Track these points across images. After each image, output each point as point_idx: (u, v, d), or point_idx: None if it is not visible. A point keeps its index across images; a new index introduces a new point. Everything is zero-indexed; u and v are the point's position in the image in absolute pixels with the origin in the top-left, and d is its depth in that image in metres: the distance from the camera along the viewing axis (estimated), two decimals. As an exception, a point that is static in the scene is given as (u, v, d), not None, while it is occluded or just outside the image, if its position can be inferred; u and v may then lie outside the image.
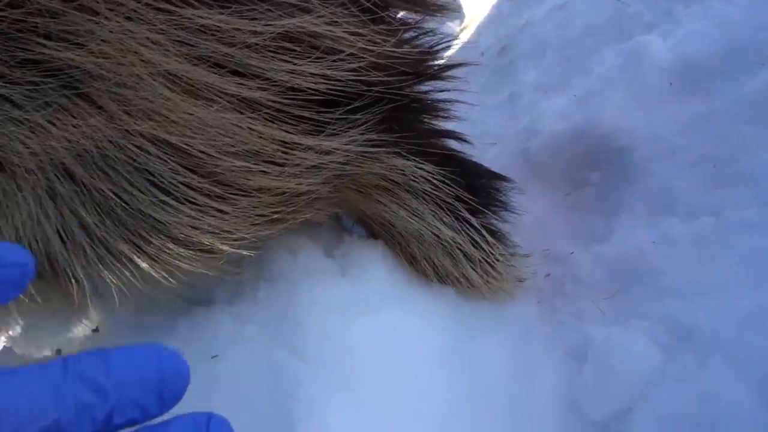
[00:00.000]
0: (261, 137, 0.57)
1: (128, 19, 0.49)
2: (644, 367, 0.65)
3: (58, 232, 0.58)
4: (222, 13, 0.51)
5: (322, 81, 0.57)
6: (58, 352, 0.86)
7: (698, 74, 0.87)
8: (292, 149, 0.59)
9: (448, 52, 1.10)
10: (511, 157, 0.98)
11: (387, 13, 0.64)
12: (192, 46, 0.52)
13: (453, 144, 0.78)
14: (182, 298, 0.72)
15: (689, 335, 0.65)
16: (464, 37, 1.46)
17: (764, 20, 0.82)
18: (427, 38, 0.73)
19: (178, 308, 0.71)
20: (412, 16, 0.72)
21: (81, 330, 0.84)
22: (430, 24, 0.74)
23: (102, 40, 0.49)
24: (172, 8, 0.50)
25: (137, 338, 0.74)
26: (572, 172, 0.93)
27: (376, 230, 0.79)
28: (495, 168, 0.84)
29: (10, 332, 0.81)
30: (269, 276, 0.70)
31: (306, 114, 0.59)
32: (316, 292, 0.68)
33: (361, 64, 0.59)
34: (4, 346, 0.82)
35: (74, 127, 0.52)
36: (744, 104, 0.77)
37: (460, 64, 0.76)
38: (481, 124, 1.09)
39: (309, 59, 0.56)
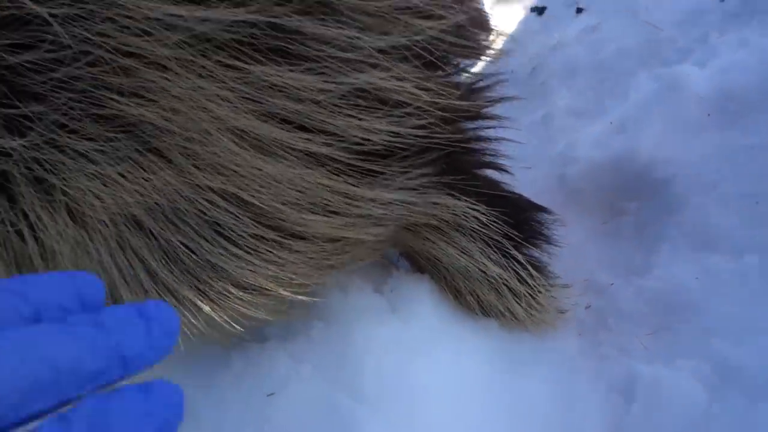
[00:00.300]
0: (327, 190, 0.59)
1: (199, 76, 0.51)
2: (691, 408, 0.66)
3: (125, 279, 0.60)
4: (291, 71, 0.53)
5: (390, 136, 0.58)
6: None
7: (738, 106, 0.87)
8: (355, 200, 0.61)
9: (477, 68, 1.11)
10: (548, 182, 0.99)
11: (447, 63, 0.66)
12: (261, 102, 0.53)
13: (494, 174, 0.80)
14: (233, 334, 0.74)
15: (736, 376, 0.67)
16: (492, 52, 1.47)
17: (806, 55, 0.83)
18: (478, 80, 0.75)
19: (232, 343, 0.73)
20: (468, 62, 0.74)
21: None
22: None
23: (173, 96, 0.50)
24: (242, 65, 0.51)
25: (189, 370, 0.75)
26: (610, 201, 0.94)
27: (422, 264, 0.80)
28: (531, 193, 0.86)
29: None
30: (322, 315, 0.72)
31: (368, 165, 0.60)
32: (369, 331, 0.69)
33: (428, 120, 0.60)
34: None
35: (145, 180, 0.54)
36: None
37: (504, 99, 0.78)
38: (515, 145, 1.09)
39: (377, 115, 0.57)
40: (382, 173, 0.62)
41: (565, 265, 0.89)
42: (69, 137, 0.50)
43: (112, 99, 0.50)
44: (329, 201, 0.58)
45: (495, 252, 0.76)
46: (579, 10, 1.39)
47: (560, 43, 1.28)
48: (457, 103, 0.61)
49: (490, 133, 0.76)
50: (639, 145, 0.93)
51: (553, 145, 1.06)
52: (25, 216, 0.53)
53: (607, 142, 0.97)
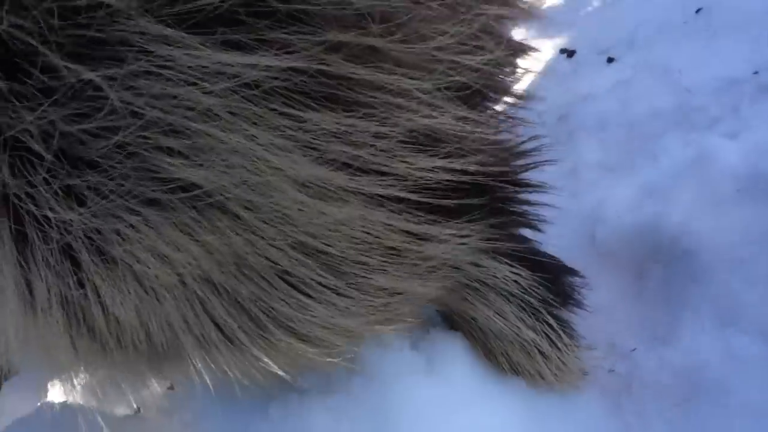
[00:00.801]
0: (390, 229, 0.60)
1: (253, 124, 0.51)
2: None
3: (193, 333, 0.62)
4: (345, 117, 0.54)
5: (446, 173, 0.60)
6: (137, 411, 0.90)
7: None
8: (417, 238, 0.62)
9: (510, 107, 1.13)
10: (577, 240, 1.02)
11: (491, 98, 0.68)
12: (317, 149, 0.53)
13: (529, 233, 0.83)
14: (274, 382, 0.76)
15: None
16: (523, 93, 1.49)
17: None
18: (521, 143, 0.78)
19: (271, 393, 0.75)
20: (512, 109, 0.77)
21: (158, 388, 0.87)
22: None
23: (229, 150, 0.51)
24: (296, 113, 0.52)
25: (227, 417, 0.78)
26: (637, 263, 0.97)
27: (456, 322, 0.83)
28: (560, 249, 0.88)
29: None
30: (361, 370, 0.74)
31: (427, 202, 0.61)
32: (407, 389, 0.72)
33: (484, 158, 0.62)
34: (64, 401, 0.85)
35: (210, 238, 0.55)
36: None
37: (544, 162, 0.80)
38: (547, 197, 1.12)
39: (431, 153, 0.59)
40: (440, 213, 0.64)
41: (588, 325, 0.91)
42: (127, 203, 0.51)
43: (167, 161, 0.50)
44: (394, 244, 0.60)
45: (530, 316, 0.79)
46: (610, 60, 1.42)
47: (591, 93, 1.30)
48: (511, 146, 0.63)
49: (532, 197, 0.78)
50: (669, 212, 0.96)
51: (582, 200, 1.09)
52: (91, 282, 0.55)
53: (638, 205, 1.00)
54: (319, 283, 0.61)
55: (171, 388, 0.91)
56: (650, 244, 0.96)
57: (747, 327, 0.80)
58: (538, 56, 1.62)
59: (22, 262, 0.52)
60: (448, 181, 0.59)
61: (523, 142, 0.75)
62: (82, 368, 0.69)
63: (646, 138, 1.13)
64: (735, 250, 0.88)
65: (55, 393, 0.90)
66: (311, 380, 0.76)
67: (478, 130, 0.58)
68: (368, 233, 0.57)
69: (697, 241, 0.91)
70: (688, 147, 1.03)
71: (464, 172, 0.60)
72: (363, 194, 0.55)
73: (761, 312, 0.80)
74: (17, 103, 0.48)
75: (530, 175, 0.76)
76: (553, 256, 0.86)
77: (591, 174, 1.14)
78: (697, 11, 1.34)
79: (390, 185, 0.55)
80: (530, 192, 0.76)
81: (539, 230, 0.83)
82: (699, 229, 0.92)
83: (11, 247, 0.52)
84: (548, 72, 1.54)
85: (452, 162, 0.57)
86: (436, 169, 0.57)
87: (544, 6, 1.93)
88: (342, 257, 0.60)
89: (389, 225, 0.57)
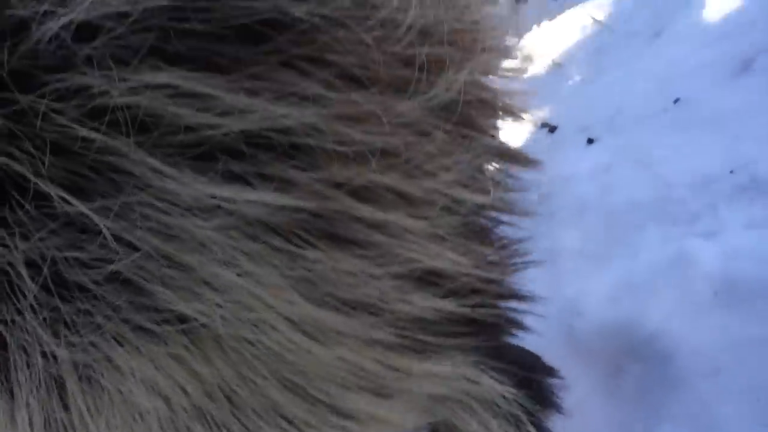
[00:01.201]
0: (379, 365, 0.60)
1: (250, 260, 0.50)
2: None
3: None
4: (343, 256, 0.53)
5: (440, 313, 0.60)
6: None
7: (743, 292, 0.92)
8: (404, 373, 0.62)
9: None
10: (556, 331, 1.03)
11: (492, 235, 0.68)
12: (313, 288, 0.53)
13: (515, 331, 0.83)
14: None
15: None
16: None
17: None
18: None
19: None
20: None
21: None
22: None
23: (224, 284, 0.50)
24: (294, 249, 0.51)
25: None
26: (614, 360, 0.98)
27: (437, 427, 0.82)
28: (537, 339, 0.88)
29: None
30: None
31: (418, 338, 0.61)
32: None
33: (484, 298, 0.62)
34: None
35: (201, 369, 0.54)
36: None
37: (531, 264, 0.81)
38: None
39: (427, 293, 0.59)
40: (428, 346, 0.64)
41: (564, 428, 0.92)
42: (119, 331, 0.50)
43: (162, 292, 0.49)
44: (379, 376, 0.59)
45: (512, 426, 0.78)
46: (590, 141, 1.45)
47: (572, 175, 1.33)
48: (509, 281, 0.63)
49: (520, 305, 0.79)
50: (647, 310, 0.97)
51: (562, 289, 1.10)
52: (77, 407, 0.53)
53: (617, 300, 1.01)
54: (308, 424, 0.60)
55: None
56: (627, 341, 0.97)
57: (722, 439, 0.81)
58: (520, 129, 1.66)
59: (4, 387, 0.50)
60: (444, 317, 0.59)
61: (514, 250, 0.76)
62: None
63: (626, 228, 1.15)
64: (711, 357, 0.89)
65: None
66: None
67: (478, 271, 0.58)
68: (361, 370, 0.56)
69: (675, 343, 0.93)
70: (667, 244, 1.05)
71: (461, 311, 0.60)
72: (357, 336, 0.54)
73: (734, 424, 0.81)
74: (7, 231, 0.47)
75: (518, 284, 0.77)
76: (533, 355, 0.86)
77: (570, 262, 1.15)
78: (675, 101, 1.38)
79: (385, 325, 0.55)
80: (518, 302, 0.76)
81: (525, 329, 0.83)
82: (676, 330, 0.94)
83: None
84: (529, 145, 1.57)
85: (452, 302, 0.57)
86: (435, 310, 0.56)
87: (527, 75, 1.98)
88: (333, 395, 0.59)
89: (381, 362, 0.57)
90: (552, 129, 1.58)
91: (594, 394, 0.96)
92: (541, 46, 2.12)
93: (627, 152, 1.31)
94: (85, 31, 0.42)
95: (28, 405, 0.50)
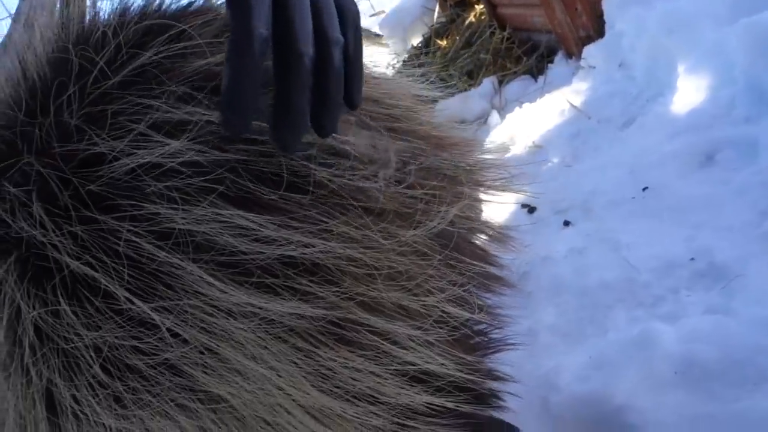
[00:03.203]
0: None
1: (274, 356, 0.60)
2: None
3: None
4: (354, 355, 0.63)
5: (435, 406, 0.69)
6: None
7: (701, 372, 1.02)
8: None
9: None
10: (532, 404, 1.12)
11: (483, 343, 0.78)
12: (324, 381, 0.63)
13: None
14: None
15: None
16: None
17: (764, 344, 0.99)
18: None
19: None
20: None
21: None
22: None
23: (252, 375, 0.60)
24: (311, 348, 0.61)
25: None
26: (586, 429, 1.07)
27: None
28: (516, 410, 0.97)
29: None
30: None
31: (410, 425, 0.70)
32: None
33: (467, 394, 0.72)
34: None
35: None
36: (738, 423, 0.93)
37: (510, 346, 0.91)
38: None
39: (419, 389, 0.69)
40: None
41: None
42: (161, 406, 0.59)
43: (201, 376, 0.59)
44: None
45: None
46: (566, 223, 1.57)
47: (548, 256, 1.44)
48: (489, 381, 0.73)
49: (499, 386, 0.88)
50: (615, 386, 1.07)
51: (539, 363, 1.19)
52: None
53: (587, 376, 1.11)
54: None
55: None
56: (598, 414, 1.06)
57: None
58: (500, 208, 1.78)
59: None
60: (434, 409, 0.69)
61: (495, 342, 0.85)
62: None
63: (597, 308, 1.26)
64: (673, 431, 0.98)
65: None
66: None
67: (461, 374, 0.68)
68: None
69: (640, 416, 1.02)
70: (633, 324, 1.16)
71: (447, 404, 0.69)
72: (357, 421, 0.64)
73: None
74: (79, 322, 0.57)
75: (497, 365, 0.86)
76: (513, 427, 0.95)
77: (547, 337, 1.25)
78: (644, 189, 1.51)
79: (382, 413, 0.64)
80: (498, 382, 0.86)
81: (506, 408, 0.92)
82: (642, 406, 1.03)
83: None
84: (510, 225, 1.69)
85: (439, 397, 0.67)
86: (425, 403, 0.66)
87: (508, 155, 2.12)
88: None
89: None
90: (531, 210, 1.71)
91: (567, 464, 1.05)
92: (523, 127, 2.28)
93: (599, 236, 1.44)
94: (159, 170, 0.53)
95: None
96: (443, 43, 3.33)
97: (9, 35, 1.79)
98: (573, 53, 2.49)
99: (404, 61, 3.42)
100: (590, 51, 2.30)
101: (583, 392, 1.09)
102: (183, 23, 0.57)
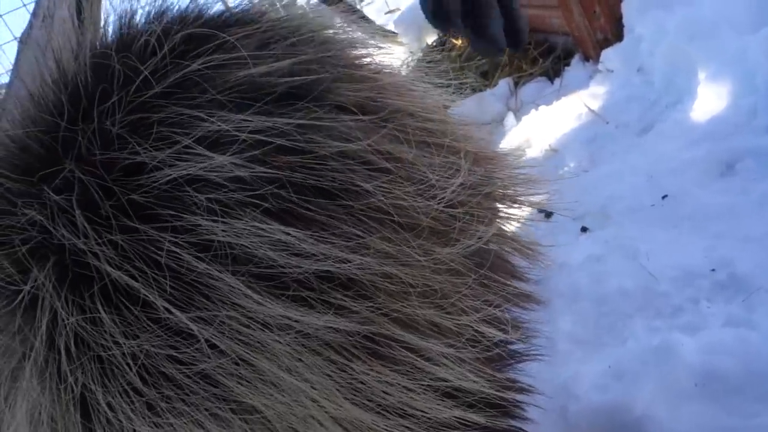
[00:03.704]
0: None
1: (308, 368, 0.60)
2: None
3: None
4: (387, 369, 0.64)
5: (465, 422, 0.70)
6: None
7: (722, 385, 1.02)
8: None
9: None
10: (550, 412, 1.11)
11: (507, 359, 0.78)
12: (358, 394, 0.63)
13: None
14: None
15: None
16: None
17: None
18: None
19: None
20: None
21: None
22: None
23: (287, 387, 0.60)
24: (344, 362, 0.61)
25: None
26: (604, 442, 1.07)
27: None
28: (534, 417, 0.97)
29: None
30: None
31: None
32: None
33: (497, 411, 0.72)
34: None
35: None
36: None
37: (533, 357, 0.91)
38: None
39: (457, 407, 0.69)
40: None
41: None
42: (194, 415, 0.59)
43: (235, 386, 0.59)
44: None
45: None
46: (584, 229, 1.57)
47: (566, 263, 1.44)
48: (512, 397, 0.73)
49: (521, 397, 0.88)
50: (634, 396, 1.07)
51: (557, 372, 1.19)
52: None
53: (606, 385, 1.11)
54: None
55: None
56: (617, 425, 1.06)
57: None
58: (518, 212, 1.77)
59: None
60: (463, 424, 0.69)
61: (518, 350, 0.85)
62: None
63: (616, 317, 1.25)
64: (691, 445, 0.98)
65: None
66: None
67: (492, 391, 0.68)
68: None
69: (660, 429, 1.02)
70: (652, 334, 1.15)
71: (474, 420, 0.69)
72: None
73: None
74: (114, 328, 0.57)
75: (520, 376, 0.86)
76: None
77: (565, 345, 1.25)
78: (663, 197, 1.50)
79: (413, 426, 0.64)
80: (520, 393, 0.86)
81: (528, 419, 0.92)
82: (661, 417, 1.03)
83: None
84: (527, 231, 1.68)
85: (470, 413, 0.67)
86: (455, 417, 0.66)
87: (524, 158, 2.11)
88: None
89: None
90: (548, 215, 1.70)
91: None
92: (539, 130, 2.27)
93: (617, 243, 1.43)
94: (201, 182, 0.53)
95: None
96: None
97: (28, 30, 1.79)
98: (590, 56, 2.48)
99: (419, 60, 3.41)
100: (608, 54, 2.29)
101: (602, 402, 1.09)
102: (226, 34, 0.57)
